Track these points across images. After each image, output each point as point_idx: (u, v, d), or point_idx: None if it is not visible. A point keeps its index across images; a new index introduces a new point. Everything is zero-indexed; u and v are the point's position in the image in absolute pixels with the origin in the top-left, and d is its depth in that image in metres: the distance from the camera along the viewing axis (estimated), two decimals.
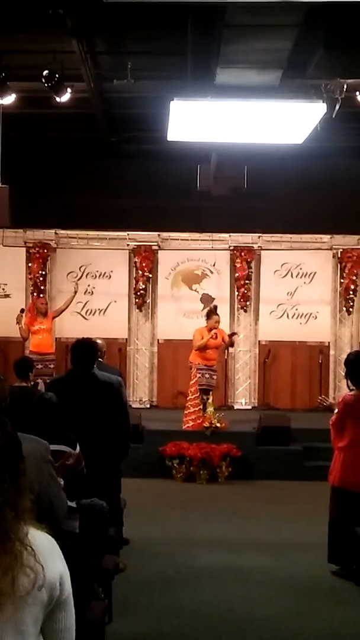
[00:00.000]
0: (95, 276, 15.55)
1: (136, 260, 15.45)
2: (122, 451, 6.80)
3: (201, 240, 15.46)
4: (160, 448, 11.17)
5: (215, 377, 12.29)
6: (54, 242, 15.47)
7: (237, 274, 15.45)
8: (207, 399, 11.87)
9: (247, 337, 15.52)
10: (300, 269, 15.54)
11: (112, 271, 15.59)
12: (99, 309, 15.55)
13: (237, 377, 15.51)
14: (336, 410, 7.07)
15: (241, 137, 9.34)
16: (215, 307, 12.39)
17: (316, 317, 15.57)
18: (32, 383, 8.66)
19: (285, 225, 15.04)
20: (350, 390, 7.05)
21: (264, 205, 14.43)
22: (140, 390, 15.37)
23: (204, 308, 12.30)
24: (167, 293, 15.59)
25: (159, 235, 15.41)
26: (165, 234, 15.45)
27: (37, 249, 15.36)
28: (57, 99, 10.22)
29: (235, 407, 15.16)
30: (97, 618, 4.36)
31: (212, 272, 15.61)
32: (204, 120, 8.56)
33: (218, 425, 11.48)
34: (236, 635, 5.75)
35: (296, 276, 15.57)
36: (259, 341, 15.63)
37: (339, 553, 6.98)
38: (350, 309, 15.46)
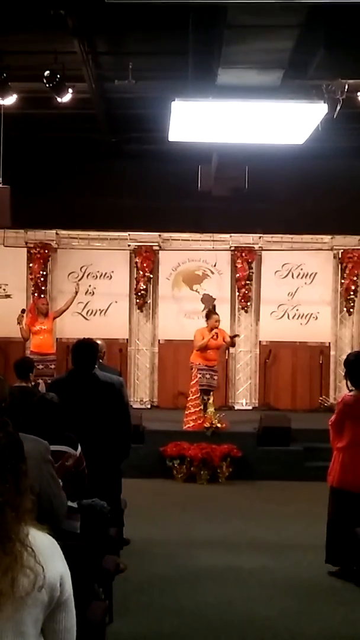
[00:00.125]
0: (96, 276, 15.56)
1: (137, 260, 15.45)
2: (123, 451, 6.80)
3: (202, 240, 15.46)
4: (160, 448, 11.17)
5: (216, 377, 12.29)
6: (54, 242, 15.47)
7: (237, 275, 15.45)
8: (208, 399, 11.87)
9: (248, 338, 15.52)
10: (301, 269, 15.55)
11: (113, 271, 15.59)
12: (99, 310, 15.55)
13: (237, 378, 15.51)
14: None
15: (242, 137, 9.35)
16: (214, 307, 12.37)
17: (317, 318, 15.57)
18: (32, 383, 8.65)
19: (286, 225, 15.04)
20: (350, 390, 7.05)
21: (265, 206, 14.43)
22: (141, 390, 15.37)
23: (204, 308, 12.30)
24: (167, 293, 15.59)
25: (159, 235, 15.41)
26: (166, 235, 15.45)
27: (38, 249, 15.36)
28: (58, 100, 10.22)
29: (236, 407, 15.16)
30: (98, 618, 4.37)
31: (212, 273, 15.62)
32: (205, 120, 8.56)
33: (219, 425, 11.48)
34: (236, 635, 5.75)
35: (297, 277, 15.57)
36: (260, 341, 15.63)
37: (338, 554, 6.99)
38: (351, 310, 15.46)
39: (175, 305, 15.53)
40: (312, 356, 15.48)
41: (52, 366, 12.88)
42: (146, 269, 15.37)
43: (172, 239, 15.55)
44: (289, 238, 15.39)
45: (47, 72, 9.68)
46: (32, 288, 15.35)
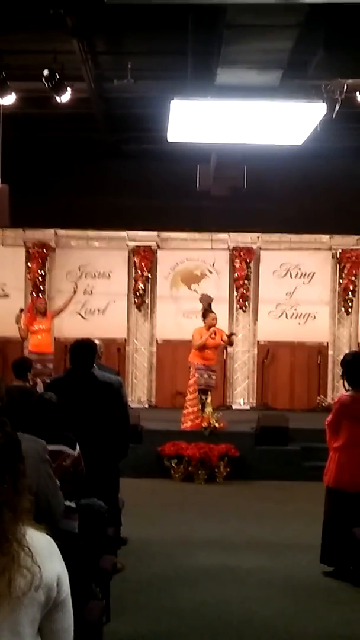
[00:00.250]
0: (95, 276, 15.56)
1: (135, 260, 15.46)
2: (122, 451, 6.81)
3: (200, 240, 15.47)
4: (158, 448, 11.17)
5: (214, 377, 12.27)
6: (53, 242, 15.47)
7: (236, 274, 15.46)
8: (206, 399, 11.87)
9: (246, 337, 15.53)
10: (299, 269, 15.55)
11: (111, 271, 15.60)
12: (98, 309, 15.55)
13: (235, 377, 15.52)
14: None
15: (241, 137, 9.35)
16: (210, 305, 12.34)
17: (315, 318, 15.58)
18: (30, 383, 8.65)
19: (284, 225, 15.04)
20: (347, 390, 7.06)
21: (264, 206, 14.43)
22: (139, 390, 15.37)
23: (203, 308, 12.31)
24: (166, 293, 15.59)
25: (158, 235, 15.41)
26: (164, 234, 15.46)
27: (36, 248, 15.36)
28: (58, 99, 10.22)
29: (234, 407, 15.16)
30: (95, 618, 4.36)
31: (211, 272, 15.62)
32: (204, 120, 8.57)
33: (216, 425, 11.48)
34: (234, 635, 5.75)
35: (295, 276, 15.57)
36: (258, 341, 15.64)
37: (333, 553, 6.99)
38: (349, 309, 15.47)
39: (174, 305, 15.53)
40: (310, 356, 15.49)
41: (50, 366, 12.88)
42: (144, 269, 15.37)
43: (171, 239, 15.56)
44: (288, 238, 15.40)
45: (46, 72, 9.67)
46: (31, 287, 15.36)
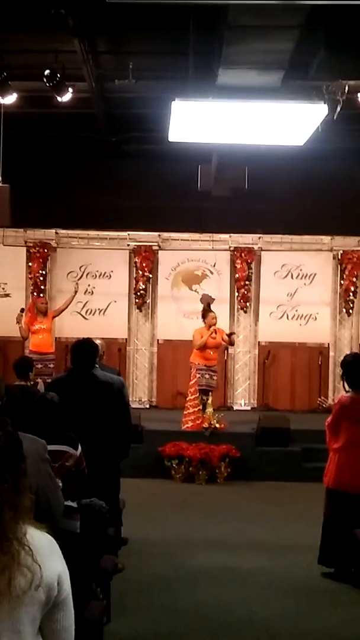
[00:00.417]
0: (96, 276, 15.56)
1: (136, 260, 15.46)
2: (123, 451, 6.80)
3: (201, 240, 15.46)
4: (159, 448, 11.17)
5: (215, 377, 12.27)
6: (54, 241, 15.47)
7: (237, 275, 15.45)
8: (207, 399, 11.86)
9: (247, 338, 15.53)
10: (301, 270, 15.55)
11: (112, 271, 15.60)
12: (99, 309, 15.56)
13: (236, 378, 15.51)
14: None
15: (242, 138, 9.34)
16: (209, 305, 12.34)
17: (316, 319, 15.58)
18: (31, 382, 8.65)
19: (285, 226, 15.04)
20: (347, 392, 7.06)
21: (265, 206, 14.43)
22: (139, 390, 15.37)
23: (202, 308, 12.32)
24: (167, 293, 15.59)
25: (159, 235, 15.41)
26: (165, 234, 15.46)
27: (37, 248, 15.36)
28: (59, 99, 10.22)
29: (235, 407, 15.16)
30: (96, 618, 4.36)
31: (212, 273, 15.62)
32: (205, 120, 8.56)
33: (217, 425, 11.48)
34: (234, 635, 5.75)
35: (296, 277, 15.57)
36: (259, 342, 15.64)
37: (332, 555, 6.99)
38: (350, 311, 15.46)
39: (175, 305, 15.53)
40: (311, 357, 15.49)
41: (51, 365, 12.87)
42: (145, 269, 15.37)
43: (172, 239, 15.56)
44: (289, 239, 15.39)
45: (47, 72, 9.67)
46: (32, 287, 15.35)
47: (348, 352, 11.69)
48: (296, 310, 15.56)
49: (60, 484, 4.85)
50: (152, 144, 13.23)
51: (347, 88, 9.18)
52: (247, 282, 15.42)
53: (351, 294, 15.36)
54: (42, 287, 15.28)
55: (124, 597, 6.23)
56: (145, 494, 9.94)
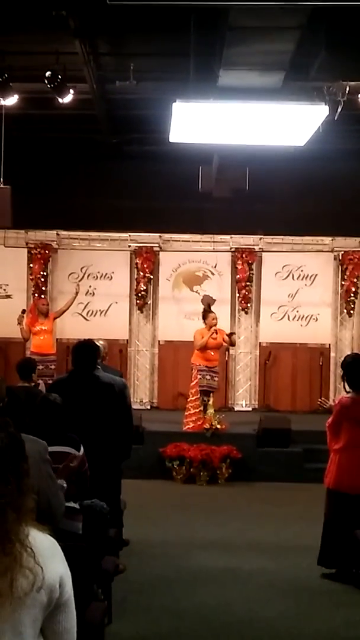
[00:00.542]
0: (97, 277, 15.56)
1: (137, 261, 15.46)
2: (124, 452, 6.80)
3: (202, 241, 15.46)
4: (160, 449, 11.18)
5: (216, 378, 12.28)
6: (55, 243, 15.47)
7: (238, 276, 15.45)
8: (208, 400, 11.86)
9: (248, 339, 15.53)
10: (302, 271, 15.55)
11: (113, 272, 15.60)
12: (100, 310, 15.56)
13: (237, 379, 15.51)
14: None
15: (243, 139, 9.35)
16: (209, 305, 12.35)
17: (317, 319, 15.58)
18: (33, 384, 8.65)
19: (286, 227, 15.04)
20: (347, 392, 7.06)
21: (266, 207, 14.44)
22: (140, 391, 15.37)
23: (202, 309, 12.34)
24: (168, 294, 15.59)
25: (160, 236, 15.41)
26: (166, 236, 15.45)
27: (38, 249, 15.37)
28: (60, 100, 10.22)
29: (236, 408, 15.16)
30: (97, 619, 4.37)
31: (213, 274, 15.62)
32: (206, 121, 8.57)
33: (218, 426, 11.48)
34: (235, 636, 5.75)
35: (297, 278, 15.57)
36: (260, 343, 15.64)
37: (333, 556, 6.99)
38: (351, 311, 15.47)
39: (176, 306, 15.53)
40: (312, 358, 15.49)
41: (52, 367, 12.88)
42: (146, 270, 15.37)
43: (173, 240, 15.56)
44: (290, 239, 15.39)
45: (48, 73, 9.68)
46: (33, 288, 15.36)
47: (349, 353, 11.69)
48: (297, 311, 15.56)
49: (65, 485, 4.86)
50: (153, 145, 13.23)
51: (347, 89, 9.19)
52: (248, 283, 15.42)
53: (352, 294, 15.36)
54: (43, 288, 15.28)
55: (125, 598, 6.24)
56: (146, 495, 9.94)
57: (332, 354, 15.45)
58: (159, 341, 15.65)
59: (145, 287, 15.39)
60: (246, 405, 15.35)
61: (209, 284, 15.52)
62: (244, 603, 6.41)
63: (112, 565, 5.49)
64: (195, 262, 15.61)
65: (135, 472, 9.64)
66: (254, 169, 11.70)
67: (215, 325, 12.03)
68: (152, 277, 15.46)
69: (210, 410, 11.67)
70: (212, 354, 12.11)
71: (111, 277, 15.60)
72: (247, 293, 15.44)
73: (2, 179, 11.55)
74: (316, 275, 15.56)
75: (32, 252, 15.41)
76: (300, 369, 15.50)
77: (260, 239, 15.39)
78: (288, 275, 15.56)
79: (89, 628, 4.04)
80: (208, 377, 12.02)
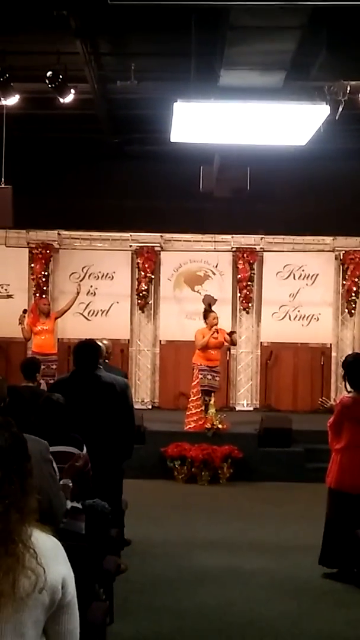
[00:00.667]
0: (98, 277, 15.56)
1: (139, 261, 15.46)
2: (126, 452, 6.80)
3: (203, 241, 15.46)
4: (161, 449, 11.17)
5: (217, 378, 12.28)
6: (56, 242, 15.48)
7: (239, 276, 15.45)
8: (209, 400, 11.86)
9: (249, 339, 15.53)
10: (303, 270, 15.55)
11: (114, 272, 15.60)
12: (101, 310, 15.56)
13: (238, 379, 15.51)
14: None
15: (244, 138, 9.35)
16: (210, 305, 12.36)
17: (318, 319, 15.57)
18: (37, 383, 8.66)
19: (287, 226, 15.04)
20: (348, 392, 7.06)
21: (267, 207, 14.44)
22: (142, 391, 15.37)
23: (203, 308, 12.35)
24: (169, 294, 15.60)
25: (161, 236, 15.41)
26: (167, 235, 15.45)
27: (39, 249, 15.37)
28: (61, 100, 10.23)
29: (237, 408, 15.16)
30: (98, 619, 4.37)
31: (214, 274, 15.62)
32: (207, 121, 8.57)
33: (220, 426, 11.48)
34: (237, 636, 5.75)
35: (298, 278, 15.57)
36: (261, 343, 15.64)
37: (334, 555, 6.99)
38: (353, 311, 15.46)
39: (177, 306, 15.53)
40: (313, 357, 15.48)
41: (54, 366, 12.88)
42: (148, 270, 15.38)
43: (174, 240, 15.56)
44: (291, 239, 15.39)
45: (49, 73, 9.68)
46: (34, 288, 15.36)
47: (350, 353, 11.69)
48: (298, 311, 15.55)
49: (71, 485, 4.86)
50: (154, 145, 13.23)
51: (348, 88, 9.18)
52: (249, 283, 15.42)
53: (353, 294, 15.35)
54: (45, 288, 15.28)
55: (126, 598, 6.23)
56: (147, 495, 9.94)
57: (333, 354, 15.45)
58: (160, 341, 15.65)
59: (146, 287, 15.40)
60: (247, 405, 15.34)
61: (210, 284, 15.53)
62: (245, 603, 6.41)
63: (113, 565, 5.49)
64: (197, 261, 15.62)
65: (137, 471, 9.62)
66: (255, 169, 11.70)
67: (216, 324, 12.04)
68: (153, 276, 15.46)
69: (212, 410, 11.67)
70: (213, 353, 12.11)
71: (112, 277, 15.60)
72: (248, 293, 15.44)
73: (3, 179, 11.56)
74: (317, 275, 15.56)
75: (34, 252, 15.41)
76: (301, 368, 15.50)
77: (262, 238, 15.39)
78: (289, 275, 15.56)
79: (91, 628, 4.04)
80: (209, 376, 12.02)
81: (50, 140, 14.27)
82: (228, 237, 15.37)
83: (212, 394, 12.04)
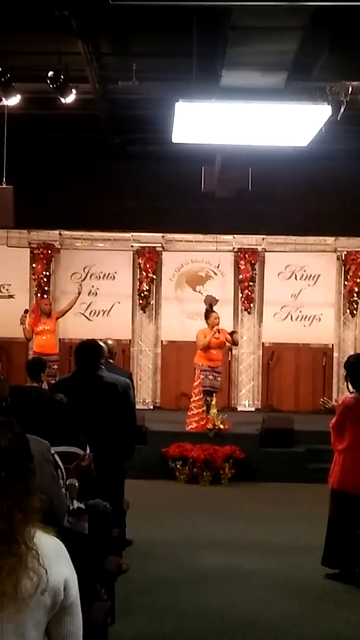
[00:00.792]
0: (99, 277, 15.57)
1: (140, 261, 15.46)
2: (127, 452, 6.80)
3: (205, 241, 15.47)
4: (163, 449, 11.18)
5: (219, 378, 12.29)
6: (58, 242, 15.49)
7: (241, 276, 15.45)
8: (211, 400, 11.87)
9: (251, 339, 15.53)
10: (304, 271, 15.54)
11: (116, 272, 15.60)
12: (102, 310, 15.56)
13: (240, 379, 15.51)
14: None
15: (246, 139, 9.34)
16: (211, 305, 12.37)
17: (320, 320, 15.57)
18: (42, 383, 8.67)
19: (289, 227, 15.03)
20: (350, 392, 7.06)
21: (268, 207, 14.42)
22: (143, 391, 15.37)
23: (205, 308, 12.36)
24: (171, 294, 15.60)
25: (163, 236, 15.42)
26: (169, 236, 15.46)
27: (41, 249, 15.38)
28: (62, 100, 10.22)
29: (239, 408, 15.16)
30: (100, 619, 4.37)
31: (216, 274, 15.62)
32: (209, 122, 8.56)
33: (221, 426, 11.48)
34: (238, 636, 5.75)
35: (300, 278, 15.56)
36: (263, 343, 15.64)
37: (337, 556, 6.99)
38: (354, 311, 15.46)
39: (178, 306, 15.54)
40: (315, 358, 15.48)
41: (55, 366, 12.88)
42: (149, 270, 15.38)
43: (175, 240, 15.56)
44: (292, 240, 15.39)
45: (50, 73, 9.67)
46: (35, 288, 15.37)
47: (352, 353, 11.69)
48: (300, 311, 15.55)
49: (77, 484, 4.86)
50: (155, 145, 13.22)
51: (350, 89, 9.17)
52: (251, 283, 15.42)
53: (355, 294, 15.36)
54: (46, 288, 15.29)
55: (128, 598, 6.24)
56: (149, 495, 9.94)
57: (335, 354, 15.45)
58: (161, 341, 15.66)
59: (148, 287, 15.41)
60: (249, 405, 15.35)
61: (211, 284, 15.53)
62: (246, 603, 6.41)
63: (115, 565, 5.49)
64: (198, 262, 15.62)
65: (138, 472, 9.63)
66: (256, 169, 11.68)
67: (217, 324, 12.04)
68: (154, 277, 15.47)
69: (213, 410, 11.67)
70: (215, 353, 12.11)
71: (114, 277, 15.60)
72: (249, 293, 15.44)
73: (4, 179, 11.55)
74: (319, 275, 15.55)
75: (35, 252, 15.42)
76: (303, 369, 15.50)
77: (263, 239, 15.39)
78: (291, 276, 15.56)
79: (92, 628, 4.04)
80: (211, 377, 12.02)
81: (52, 141, 14.25)
82: (230, 237, 15.37)
83: (214, 395, 12.04)
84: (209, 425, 11.46)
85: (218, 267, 15.60)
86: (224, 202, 13.03)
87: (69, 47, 9.24)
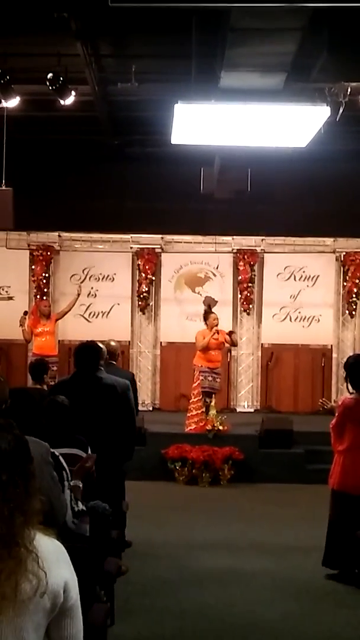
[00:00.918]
0: (99, 279, 15.57)
1: (139, 262, 15.47)
2: (127, 454, 6.80)
3: (204, 243, 15.47)
4: (162, 450, 11.18)
5: (218, 379, 12.29)
6: (57, 244, 15.49)
7: (240, 277, 15.46)
8: (210, 401, 11.87)
9: (250, 340, 15.53)
10: (303, 272, 15.55)
11: (115, 274, 15.61)
12: (102, 312, 15.56)
13: (239, 380, 15.51)
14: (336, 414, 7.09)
15: (245, 140, 9.35)
16: (210, 306, 12.38)
17: (319, 320, 15.57)
18: (45, 385, 8.67)
19: (288, 228, 15.02)
20: (350, 393, 7.07)
21: (267, 208, 14.42)
22: (143, 392, 15.34)
23: (203, 310, 12.37)
24: (170, 296, 15.60)
25: (162, 238, 15.42)
26: (168, 237, 15.46)
27: (40, 251, 15.38)
28: (62, 102, 10.22)
29: (238, 410, 15.16)
30: (100, 621, 4.37)
31: (215, 275, 15.63)
32: (208, 123, 8.57)
33: (220, 428, 11.48)
34: (238, 637, 5.76)
35: (299, 279, 15.57)
36: (262, 344, 15.64)
37: (337, 556, 6.99)
38: (353, 312, 15.47)
39: (177, 308, 15.54)
40: (314, 359, 15.49)
41: (55, 368, 12.85)
42: (148, 271, 15.39)
43: (175, 242, 15.57)
44: (291, 240, 15.40)
45: (50, 75, 9.67)
46: (35, 290, 15.37)
47: (351, 354, 11.69)
48: (299, 312, 15.56)
49: (81, 486, 4.86)
50: (154, 146, 13.22)
51: (349, 90, 9.17)
52: (250, 284, 15.43)
53: (354, 295, 15.36)
54: (45, 290, 15.29)
55: (127, 599, 6.24)
56: (148, 497, 9.94)
57: (334, 355, 15.46)
58: (160, 342, 15.66)
59: (147, 289, 15.41)
60: (248, 406, 15.35)
61: (210, 285, 15.53)
62: (246, 604, 6.41)
63: (114, 566, 5.49)
64: (197, 263, 15.62)
65: (138, 473, 9.64)
66: (255, 171, 11.69)
67: (216, 325, 12.05)
68: (154, 278, 15.47)
69: (213, 412, 11.68)
70: (214, 354, 12.12)
71: (113, 279, 15.61)
72: (249, 294, 15.44)
73: (4, 181, 11.56)
74: (318, 276, 15.56)
75: (34, 253, 15.42)
76: (302, 370, 15.50)
77: (262, 240, 15.40)
78: (290, 277, 15.57)
79: (92, 630, 4.04)
80: (210, 378, 12.03)
81: (51, 142, 14.25)
82: (229, 238, 15.38)
83: (213, 396, 12.05)
84: (208, 427, 11.46)
85: (217, 268, 15.61)
86: (223, 203, 13.04)
87: (69, 48, 9.25)
